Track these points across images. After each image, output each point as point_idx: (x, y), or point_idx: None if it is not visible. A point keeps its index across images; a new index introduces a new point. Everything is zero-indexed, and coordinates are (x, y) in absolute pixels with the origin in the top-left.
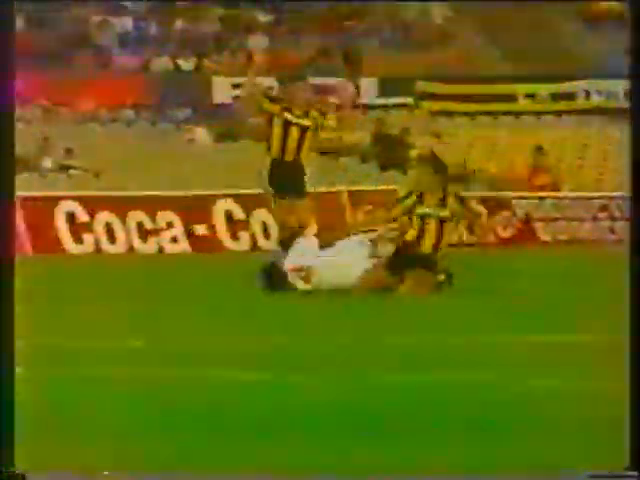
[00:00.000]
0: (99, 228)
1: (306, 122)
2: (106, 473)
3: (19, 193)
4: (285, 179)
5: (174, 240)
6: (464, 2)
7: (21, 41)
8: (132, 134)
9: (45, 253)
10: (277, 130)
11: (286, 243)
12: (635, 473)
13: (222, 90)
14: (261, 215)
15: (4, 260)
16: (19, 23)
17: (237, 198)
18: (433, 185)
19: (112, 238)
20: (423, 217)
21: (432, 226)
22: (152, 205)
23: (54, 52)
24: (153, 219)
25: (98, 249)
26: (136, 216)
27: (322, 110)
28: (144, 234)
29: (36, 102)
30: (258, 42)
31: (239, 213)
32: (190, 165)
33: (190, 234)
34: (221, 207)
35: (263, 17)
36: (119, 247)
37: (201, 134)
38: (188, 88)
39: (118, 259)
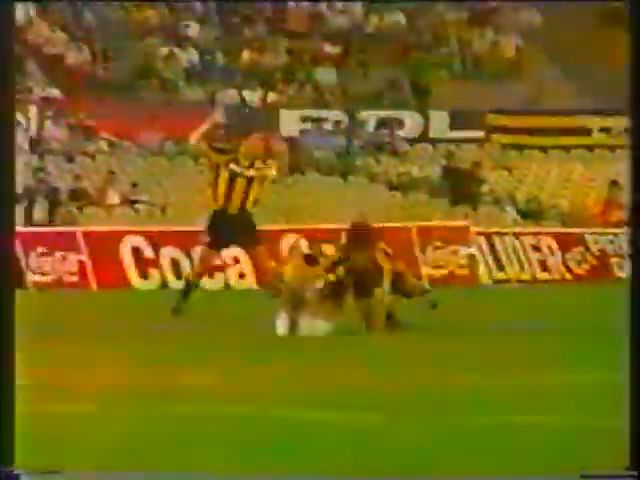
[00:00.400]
0: (165, 263)
1: (251, 173)
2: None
3: (84, 228)
4: (230, 230)
5: (241, 276)
6: (535, 33)
7: (86, 73)
8: (198, 168)
9: (110, 288)
10: (222, 181)
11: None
12: (635, 473)
13: (289, 123)
14: (329, 251)
15: (5, 290)
16: (85, 55)
17: (305, 233)
18: (309, 276)
19: (178, 273)
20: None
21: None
22: (188, 241)
23: (120, 84)
24: (189, 257)
25: (164, 284)
26: (170, 251)
27: (266, 160)
28: (210, 269)
29: (102, 135)
30: (326, 74)
31: (307, 248)
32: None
33: (257, 269)
34: (289, 242)
35: (331, 49)
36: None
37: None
38: (255, 121)
39: (151, 294)
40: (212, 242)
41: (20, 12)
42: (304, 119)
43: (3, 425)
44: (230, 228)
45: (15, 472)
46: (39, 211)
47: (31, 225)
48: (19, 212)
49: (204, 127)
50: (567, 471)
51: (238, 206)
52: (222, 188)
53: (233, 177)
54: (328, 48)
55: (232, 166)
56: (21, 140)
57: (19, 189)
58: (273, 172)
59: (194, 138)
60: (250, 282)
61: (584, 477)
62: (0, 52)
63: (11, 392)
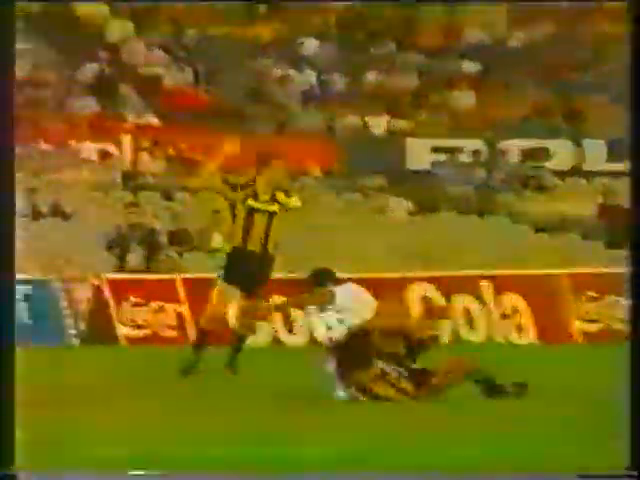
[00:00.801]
0: (277, 316)
1: (272, 207)
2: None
3: (184, 275)
4: (249, 271)
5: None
6: None
7: (188, 97)
8: (315, 205)
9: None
10: (240, 219)
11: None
12: (635, 473)
13: (419, 154)
14: (464, 301)
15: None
16: (186, 77)
17: (436, 281)
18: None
19: (290, 326)
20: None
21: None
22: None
23: (226, 110)
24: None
25: (276, 339)
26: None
27: (287, 191)
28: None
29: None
30: (463, 97)
31: (438, 299)
32: (381, 242)
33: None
34: (417, 292)
35: (469, 68)
36: (299, 337)
37: (395, 205)
38: (379, 152)
39: (297, 351)
40: (229, 283)
41: (115, 29)
42: (436, 149)
43: (3, 426)
44: (247, 269)
45: (15, 473)
46: (133, 255)
47: (124, 271)
48: (109, 257)
49: (219, 157)
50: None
51: (258, 245)
52: (239, 226)
53: (251, 213)
54: (466, 67)
55: (250, 202)
56: (113, 174)
57: (110, 230)
58: (297, 204)
59: (207, 171)
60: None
61: (581, 477)
62: (0, 52)
63: (11, 393)
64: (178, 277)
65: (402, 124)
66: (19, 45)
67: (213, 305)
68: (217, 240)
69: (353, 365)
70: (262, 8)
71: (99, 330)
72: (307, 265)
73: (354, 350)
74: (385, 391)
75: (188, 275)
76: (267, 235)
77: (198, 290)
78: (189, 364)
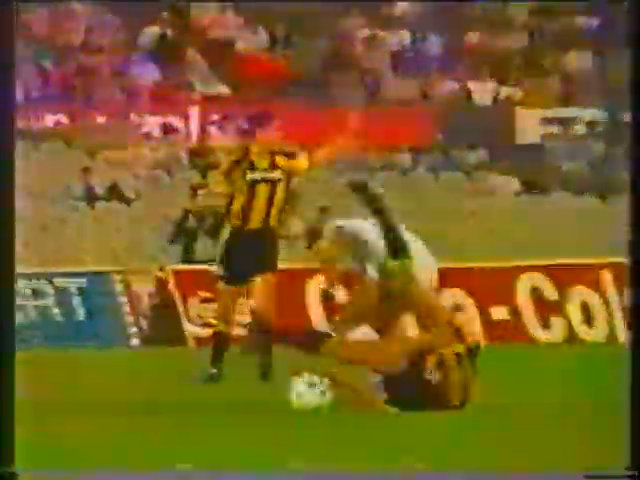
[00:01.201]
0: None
1: (272, 175)
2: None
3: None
4: (249, 253)
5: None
6: None
7: (262, 64)
8: (408, 185)
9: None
10: (240, 197)
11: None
12: (635, 473)
13: (528, 126)
14: (581, 294)
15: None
16: (261, 40)
17: (549, 271)
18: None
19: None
20: None
21: None
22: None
23: (306, 78)
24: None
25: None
26: None
27: (288, 152)
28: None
29: (285, 144)
30: (579, 58)
31: (551, 291)
32: (484, 227)
33: (486, 318)
34: (527, 283)
35: (587, 23)
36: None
37: (500, 184)
38: (483, 123)
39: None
40: (230, 274)
41: None
42: (548, 120)
43: (3, 425)
44: (249, 251)
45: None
46: (201, 245)
47: (191, 263)
48: (175, 246)
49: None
50: None
51: (259, 221)
52: (239, 202)
53: (252, 187)
54: (583, 23)
55: (248, 174)
56: (178, 151)
57: (175, 214)
58: (304, 162)
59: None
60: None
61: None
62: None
63: (11, 393)
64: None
65: (509, 91)
66: (71, 4)
67: (220, 304)
68: (297, 225)
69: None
70: None
71: (163, 329)
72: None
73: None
74: None
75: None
76: (269, 208)
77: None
78: (214, 372)
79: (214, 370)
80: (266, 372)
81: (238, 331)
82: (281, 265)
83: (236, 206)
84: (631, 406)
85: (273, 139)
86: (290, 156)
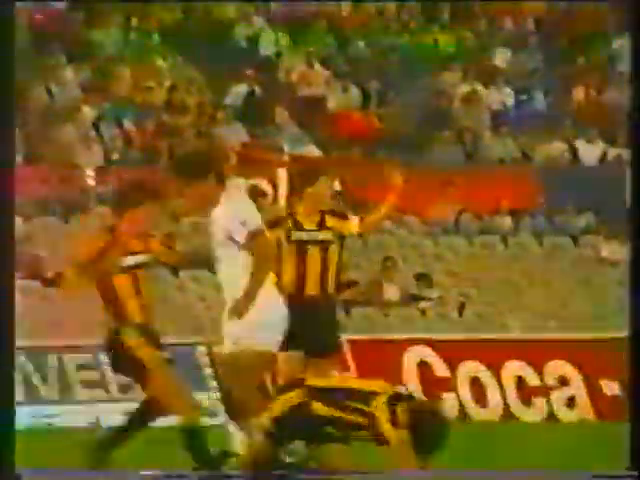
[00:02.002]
0: (464, 385)
1: (322, 236)
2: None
3: (350, 335)
4: (308, 324)
5: (569, 402)
6: None
7: (356, 123)
8: (509, 252)
9: None
10: (290, 257)
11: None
12: (635, 473)
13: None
14: None
15: None
16: (354, 97)
17: None
18: None
19: (483, 400)
20: None
21: None
22: (538, 353)
23: (402, 138)
24: (539, 372)
25: (462, 414)
26: (515, 368)
27: (339, 212)
28: (526, 393)
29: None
30: None
31: None
32: (594, 296)
33: (594, 394)
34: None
35: None
36: (491, 411)
37: (610, 250)
38: (591, 184)
39: (491, 427)
40: (294, 345)
41: (269, 41)
42: None
43: (4, 427)
44: (308, 322)
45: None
46: None
47: None
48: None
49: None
50: None
51: (317, 289)
52: (290, 268)
53: (302, 248)
54: None
55: (295, 234)
56: (266, 215)
57: None
58: (355, 224)
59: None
60: (583, 410)
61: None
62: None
63: (11, 393)
64: (343, 338)
65: (620, 151)
66: (156, 62)
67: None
68: (391, 292)
69: None
70: (445, 12)
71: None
72: (493, 325)
73: None
74: None
75: (357, 336)
76: (324, 273)
77: (369, 354)
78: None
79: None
80: None
81: None
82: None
83: (288, 271)
84: (631, 406)
85: (323, 197)
86: (341, 217)
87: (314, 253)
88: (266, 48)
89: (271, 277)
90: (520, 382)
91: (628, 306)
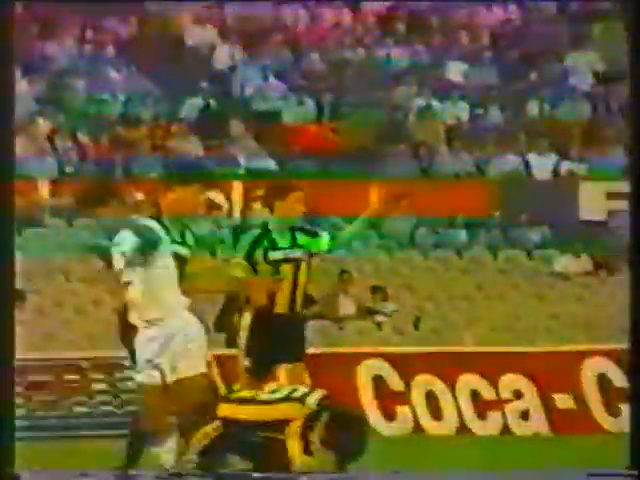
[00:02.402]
0: (419, 398)
1: (295, 254)
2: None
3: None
4: (276, 341)
5: (524, 415)
6: None
7: (310, 136)
8: (464, 265)
9: None
10: (263, 276)
11: None
12: (635, 473)
13: (592, 201)
14: None
15: None
16: (308, 111)
17: (616, 356)
18: None
19: (437, 411)
20: None
21: None
22: (493, 366)
23: (355, 152)
24: (494, 386)
25: (417, 427)
26: (471, 381)
27: (309, 230)
28: (481, 406)
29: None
30: None
31: (619, 378)
32: (548, 308)
33: (548, 407)
34: (593, 368)
35: None
36: (446, 425)
37: (564, 264)
38: (545, 198)
39: (445, 441)
40: (255, 365)
41: (223, 55)
42: (613, 195)
43: (3, 427)
44: (276, 338)
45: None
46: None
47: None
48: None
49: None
50: None
51: (285, 305)
52: (262, 286)
53: (276, 267)
54: None
55: (270, 254)
56: (221, 229)
57: (219, 299)
58: (325, 242)
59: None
60: (537, 424)
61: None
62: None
63: (11, 394)
64: None
65: (572, 165)
66: (111, 75)
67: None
68: (347, 306)
69: None
70: (400, 26)
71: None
72: (448, 338)
73: None
74: None
75: (312, 350)
76: (294, 290)
77: (324, 367)
78: None
79: None
80: None
81: None
82: (328, 349)
83: (259, 290)
84: (631, 406)
85: (294, 213)
86: (311, 234)
87: (286, 271)
88: (221, 62)
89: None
90: (475, 395)
91: (583, 319)
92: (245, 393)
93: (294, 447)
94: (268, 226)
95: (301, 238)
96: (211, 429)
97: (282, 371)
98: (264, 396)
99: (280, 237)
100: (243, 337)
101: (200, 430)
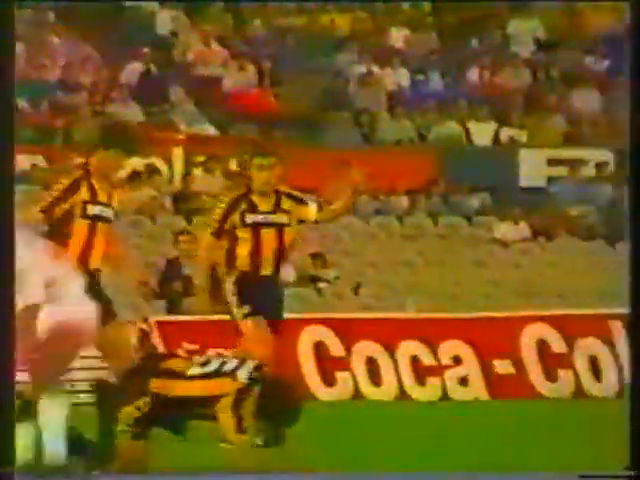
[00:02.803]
0: (359, 364)
1: (280, 219)
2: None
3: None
4: (260, 302)
5: (463, 381)
6: None
7: (251, 102)
8: (406, 231)
9: None
10: (244, 239)
11: None
12: (635, 473)
13: (533, 167)
14: (588, 345)
15: None
16: (250, 77)
17: (554, 321)
18: None
19: (377, 377)
20: None
21: None
22: (433, 332)
23: (297, 118)
24: (434, 352)
25: (357, 393)
26: (411, 347)
27: (296, 195)
28: (421, 372)
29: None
30: (586, 98)
31: (558, 343)
32: (488, 274)
33: (487, 373)
34: (532, 334)
35: (593, 63)
36: (385, 391)
37: (504, 230)
38: (485, 165)
39: (385, 407)
40: (251, 308)
41: (164, 20)
42: (553, 162)
43: (2, 426)
44: (258, 301)
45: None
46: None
47: (177, 313)
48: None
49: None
50: None
51: (269, 269)
52: (244, 249)
53: (256, 230)
54: (590, 62)
55: (249, 216)
56: (160, 195)
57: (160, 262)
58: (312, 210)
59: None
60: (478, 390)
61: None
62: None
63: (11, 393)
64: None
65: (512, 132)
66: (50, 39)
67: (250, 340)
68: (287, 273)
69: None
70: None
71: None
72: (389, 304)
73: None
74: None
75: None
76: (278, 253)
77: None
78: None
79: None
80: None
81: None
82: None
83: (242, 251)
84: (631, 406)
85: (275, 177)
86: (298, 201)
87: (269, 234)
88: (162, 27)
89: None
90: (415, 361)
91: (522, 286)
92: (177, 364)
93: (226, 424)
94: (251, 188)
95: (286, 202)
96: (142, 403)
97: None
98: (195, 370)
99: (261, 200)
100: (232, 299)
101: (130, 404)
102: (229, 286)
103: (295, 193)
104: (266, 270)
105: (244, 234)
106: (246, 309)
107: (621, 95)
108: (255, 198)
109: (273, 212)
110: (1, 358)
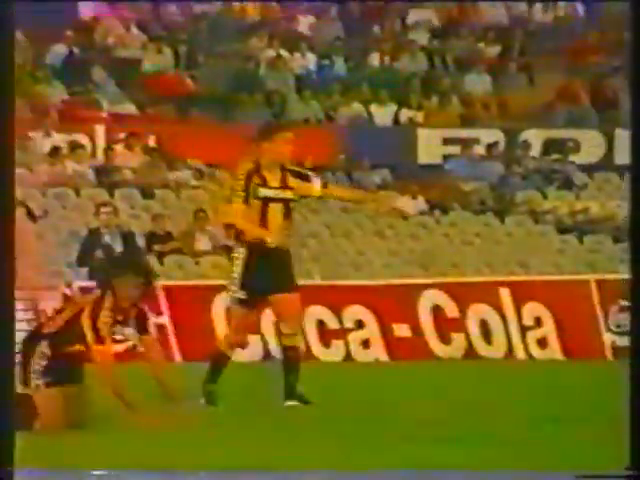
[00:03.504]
0: (268, 327)
1: (286, 194)
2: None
3: (165, 282)
4: (269, 272)
5: (365, 344)
6: None
7: (169, 83)
8: (312, 205)
9: (198, 360)
10: (254, 210)
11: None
12: (635, 473)
13: (429, 146)
14: (479, 310)
15: None
16: (167, 60)
17: (449, 288)
18: None
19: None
20: None
21: None
22: (337, 298)
23: (212, 98)
24: (338, 316)
25: (266, 354)
26: (316, 312)
27: (301, 173)
28: (326, 335)
29: (188, 163)
30: (479, 82)
31: (452, 308)
32: (386, 245)
33: (387, 336)
34: (428, 300)
35: (485, 49)
36: None
37: (402, 204)
38: (385, 144)
39: None
40: (248, 296)
41: (87, 5)
42: (449, 141)
43: (2, 426)
44: (270, 270)
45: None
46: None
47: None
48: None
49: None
50: None
51: (277, 241)
52: (253, 221)
53: (266, 204)
54: (481, 48)
55: (261, 190)
56: (84, 169)
57: (82, 231)
58: (316, 187)
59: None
60: (377, 352)
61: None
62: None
63: (11, 393)
64: (158, 285)
65: (410, 113)
66: None
67: (232, 327)
68: (203, 242)
69: None
70: None
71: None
72: (297, 271)
73: None
74: None
75: (170, 282)
76: (284, 227)
77: (181, 299)
78: (211, 391)
79: (209, 390)
80: (292, 391)
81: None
82: (185, 281)
83: (251, 224)
84: (631, 406)
85: (282, 154)
86: (303, 178)
87: (276, 209)
88: (86, 13)
89: None
90: (320, 325)
91: (419, 256)
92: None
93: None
94: (259, 162)
95: (292, 180)
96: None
97: (275, 300)
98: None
99: (270, 175)
100: (237, 271)
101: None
102: (240, 261)
103: (300, 170)
104: (272, 242)
105: (254, 206)
106: (240, 295)
107: (510, 79)
108: (266, 173)
109: (281, 188)
110: (1, 358)
